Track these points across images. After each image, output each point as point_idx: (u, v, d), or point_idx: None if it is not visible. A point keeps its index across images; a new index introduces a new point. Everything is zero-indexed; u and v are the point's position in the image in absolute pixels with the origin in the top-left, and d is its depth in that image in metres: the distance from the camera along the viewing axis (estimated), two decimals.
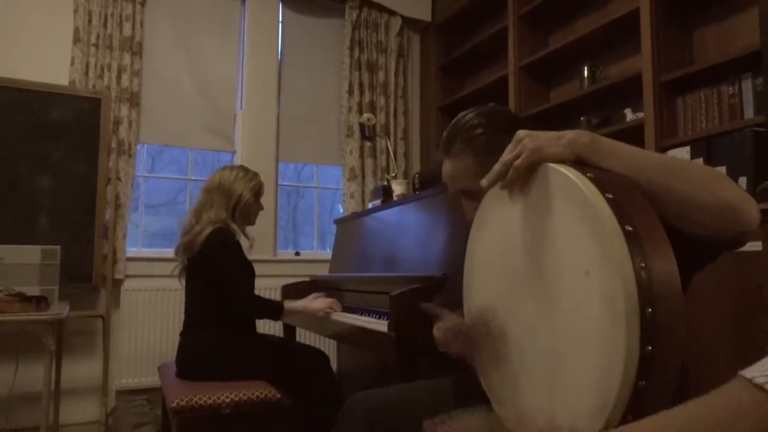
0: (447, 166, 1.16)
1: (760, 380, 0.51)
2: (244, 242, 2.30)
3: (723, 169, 2.10)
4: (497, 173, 0.89)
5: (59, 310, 2.28)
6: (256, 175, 2.37)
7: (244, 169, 2.36)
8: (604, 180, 0.78)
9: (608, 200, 0.75)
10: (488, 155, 1.05)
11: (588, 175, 0.79)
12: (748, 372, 0.52)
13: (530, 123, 2.99)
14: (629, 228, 0.72)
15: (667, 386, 0.71)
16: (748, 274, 1.82)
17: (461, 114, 1.16)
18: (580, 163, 0.85)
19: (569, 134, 0.87)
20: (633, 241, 0.71)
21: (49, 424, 2.24)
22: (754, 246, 1.79)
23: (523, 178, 0.89)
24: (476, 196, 1.07)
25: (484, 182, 0.92)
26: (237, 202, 2.26)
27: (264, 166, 3.60)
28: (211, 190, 2.27)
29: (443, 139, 1.17)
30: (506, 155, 0.88)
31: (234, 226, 2.22)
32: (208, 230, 2.15)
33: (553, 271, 0.84)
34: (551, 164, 0.84)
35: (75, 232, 2.96)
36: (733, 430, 0.50)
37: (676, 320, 0.71)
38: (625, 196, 0.77)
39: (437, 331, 1.14)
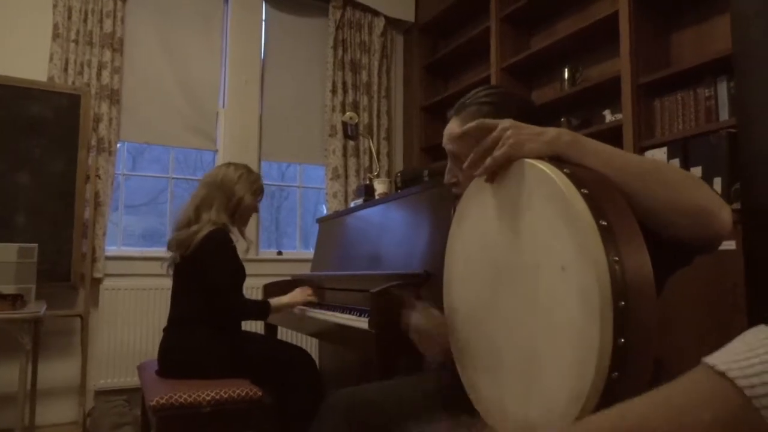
0: (450, 125, 1.18)
1: (721, 367, 0.52)
2: (241, 244, 2.27)
3: (699, 170, 2.14)
4: (475, 158, 0.91)
5: (36, 308, 2.24)
6: (258, 177, 2.35)
7: (248, 170, 2.32)
8: (580, 176, 0.80)
9: (584, 195, 0.76)
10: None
11: (565, 170, 0.80)
12: (711, 359, 0.54)
13: (545, 114, 3.03)
14: (603, 223, 0.74)
15: (640, 378, 0.73)
16: (723, 273, 1.86)
17: (481, 87, 1.20)
18: (558, 160, 0.86)
19: (551, 132, 0.88)
20: (607, 235, 0.73)
21: (24, 425, 2.21)
22: (728, 245, 1.83)
23: (501, 169, 0.90)
24: (461, 163, 1.10)
25: (465, 164, 0.94)
26: (238, 204, 2.23)
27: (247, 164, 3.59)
28: (212, 186, 2.23)
29: (458, 103, 1.20)
30: (487, 140, 0.90)
31: (232, 229, 2.21)
32: (206, 230, 2.11)
33: (531, 266, 0.85)
34: (529, 160, 0.86)
35: (53, 231, 2.92)
36: (695, 414, 0.51)
37: (649, 313, 0.73)
38: (601, 192, 0.79)
39: (413, 333, 1.15)
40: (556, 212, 0.79)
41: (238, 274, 2.23)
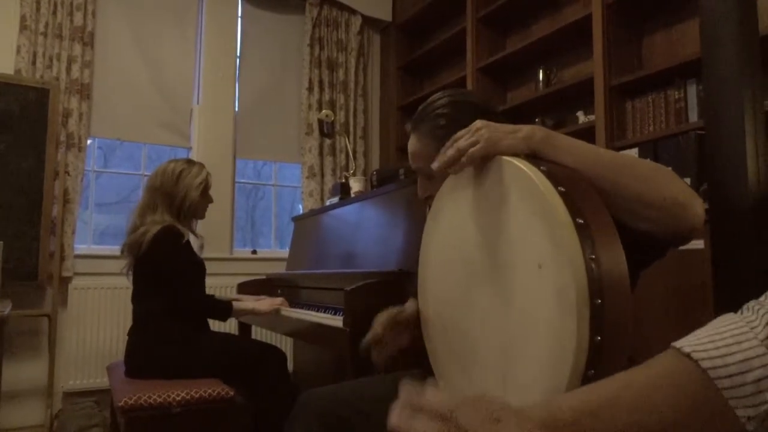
0: (411, 142, 1.17)
1: (687, 349, 0.55)
2: (195, 242, 2.24)
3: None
4: (450, 158, 0.89)
5: (0, 308, 2.18)
6: (201, 168, 2.27)
7: (189, 164, 2.25)
8: (557, 173, 0.80)
9: (560, 193, 0.76)
10: (437, 140, 1.08)
11: (541, 168, 0.81)
12: (678, 342, 0.56)
13: (499, 116, 3.05)
14: (580, 221, 0.74)
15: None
16: (691, 272, 1.90)
17: (434, 96, 1.18)
18: (534, 157, 0.87)
19: (525, 128, 0.89)
20: (584, 233, 0.73)
21: None
22: (696, 245, 1.87)
23: (476, 167, 0.90)
24: (431, 177, 1.13)
25: (435, 165, 0.93)
26: (182, 203, 2.18)
27: (221, 162, 3.55)
28: (153, 190, 2.18)
29: (415, 115, 1.18)
30: (462, 142, 0.89)
31: (181, 227, 2.15)
32: (154, 230, 2.07)
33: (508, 263, 0.85)
34: (505, 157, 0.86)
35: (20, 228, 2.84)
36: (661, 392, 0.54)
37: (625, 311, 0.73)
38: (577, 190, 0.79)
39: (378, 326, 1.15)
40: (533, 210, 0.79)
41: (195, 269, 2.19)
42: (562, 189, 0.77)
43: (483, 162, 0.89)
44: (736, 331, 0.54)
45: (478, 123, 0.90)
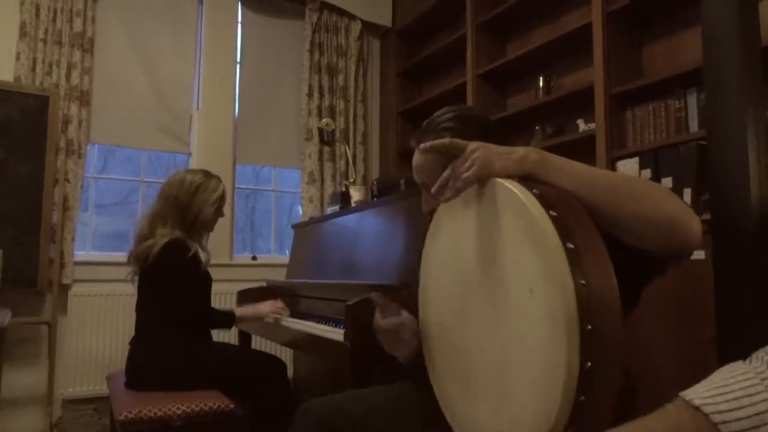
0: (416, 157, 1.17)
1: (697, 402, 0.54)
2: (202, 256, 2.22)
3: (669, 181, 2.18)
4: (445, 180, 0.91)
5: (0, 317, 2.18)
6: (219, 183, 2.25)
7: (207, 177, 2.22)
8: (549, 197, 0.80)
9: (552, 218, 0.76)
10: (454, 158, 1.08)
11: (534, 191, 0.81)
12: (687, 393, 0.55)
13: (504, 130, 3.05)
14: (570, 245, 0.74)
15: (606, 400, 0.73)
16: (693, 283, 1.89)
17: (439, 112, 1.19)
18: (528, 179, 0.87)
19: (520, 150, 0.89)
20: (574, 258, 0.73)
21: None
22: (698, 255, 1.86)
23: (472, 189, 0.91)
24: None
25: (434, 189, 0.94)
26: (195, 217, 2.16)
27: (221, 168, 3.53)
28: (167, 200, 2.15)
29: (419, 130, 1.19)
30: (458, 165, 0.90)
31: (190, 242, 2.13)
32: (162, 242, 2.06)
33: (501, 286, 0.85)
34: (499, 179, 0.86)
35: (19, 235, 2.84)
36: None
37: (615, 336, 0.73)
38: (569, 213, 0.79)
39: (384, 323, 1.14)
40: (525, 233, 0.79)
41: (200, 282, 2.19)
42: (554, 213, 0.77)
43: (478, 184, 0.89)
44: (746, 383, 0.54)
45: (474, 145, 0.90)
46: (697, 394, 0.55)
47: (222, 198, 2.24)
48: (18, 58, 3.02)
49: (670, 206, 0.83)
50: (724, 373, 0.57)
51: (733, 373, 0.56)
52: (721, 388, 0.54)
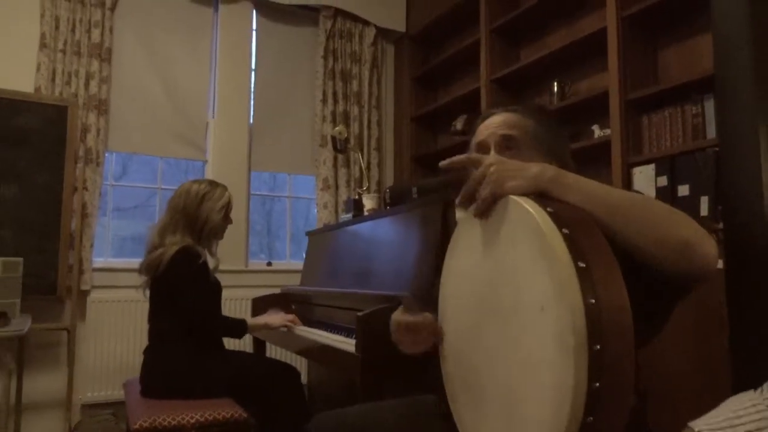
0: (497, 117, 1.14)
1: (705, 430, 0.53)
2: (211, 262, 2.25)
3: (686, 189, 2.14)
4: (466, 194, 0.92)
5: (20, 324, 2.22)
6: (224, 191, 2.29)
7: (212, 186, 2.28)
8: (563, 215, 0.80)
9: (564, 236, 0.76)
10: (540, 126, 1.12)
11: (548, 209, 0.80)
12: (697, 424, 0.55)
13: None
14: (582, 264, 0.73)
15: (615, 421, 0.72)
16: (709, 292, 1.86)
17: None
18: (543, 197, 0.86)
19: (535, 167, 0.88)
20: (585, 277, 0.72)
21: None
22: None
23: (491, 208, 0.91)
24: (488, 151, 1.10)
25: (458, 200, 0.95)
26: (203, 226, 2.21)
27: (236, 175, 3.58)
28: (175, 211, 2.20)
29: (526, 104, 1.21)
30: (475, 174, 0.90)
31: (199, 249, 2.17)
32: (173, 249, 2.10)
33: (514, 304, 0.85)
34: (513, 197, 0.86)
35: (39, 243, 2.89)
36: None
37: (626, 356, 0.72)
38: (582, 232, 0.78)
39: (403, 317, 1.11)
40: (537, 251, 0.79)
41: (212, 290, 2.21)
42: (566, 231, 0.77)
43: (495, 201, 0.89)
44: (756, 416, 0.53)
45: (491, 159, 0.90)
46: (706, 425, 0.54)
47: (228, 205, 2.29)
48: (38, 69, 3.08)
49: (683, 229, 0.82)
50: (734, 403, 0.56)
51: (744, 404, 0.55)
52: (730, 420, 0.53)
